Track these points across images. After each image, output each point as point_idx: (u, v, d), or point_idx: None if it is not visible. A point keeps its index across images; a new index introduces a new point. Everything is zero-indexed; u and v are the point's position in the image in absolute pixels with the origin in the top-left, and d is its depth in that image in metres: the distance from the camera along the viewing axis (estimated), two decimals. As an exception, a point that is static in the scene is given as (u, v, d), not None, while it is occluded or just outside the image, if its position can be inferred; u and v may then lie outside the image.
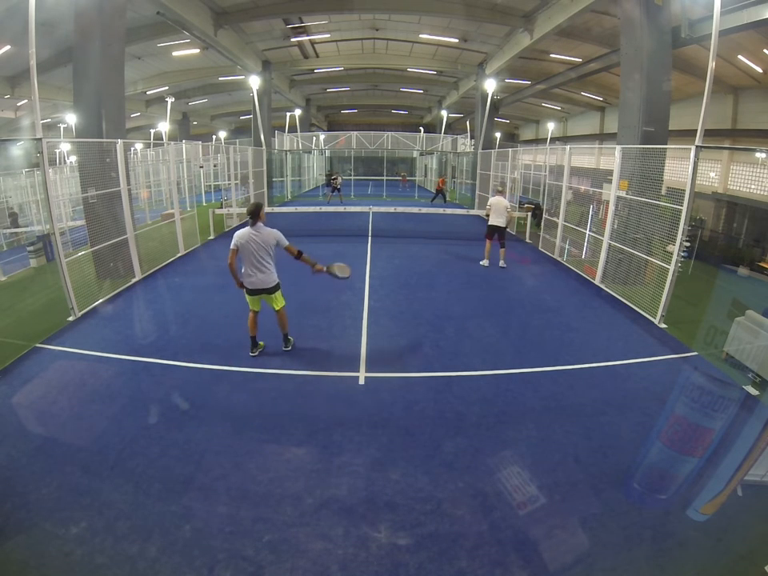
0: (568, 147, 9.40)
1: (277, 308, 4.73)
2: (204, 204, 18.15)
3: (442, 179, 21.09)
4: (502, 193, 8.90)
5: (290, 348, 4.96)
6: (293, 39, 16.45)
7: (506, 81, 18.66)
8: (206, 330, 5.57)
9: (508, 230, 9.17)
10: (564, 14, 11.28)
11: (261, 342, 4.94)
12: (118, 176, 7.09)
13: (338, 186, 19.10)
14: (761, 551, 2.54)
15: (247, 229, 4.43)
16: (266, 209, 14.71)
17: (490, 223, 8.58)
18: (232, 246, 4.42)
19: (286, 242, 4.52)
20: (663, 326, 5.91)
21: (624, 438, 3.57)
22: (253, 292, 4.59)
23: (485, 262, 8.79)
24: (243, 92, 20.27)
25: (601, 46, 13.59)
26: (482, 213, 11.55)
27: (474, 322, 5.98)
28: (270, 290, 4.60)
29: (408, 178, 28.79)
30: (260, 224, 4.45)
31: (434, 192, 20.46)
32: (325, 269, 4.61)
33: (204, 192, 21.07)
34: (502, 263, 8.68)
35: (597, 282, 7.76)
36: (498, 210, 8.49)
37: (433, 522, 2.72)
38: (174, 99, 20.52)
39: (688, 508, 2.62)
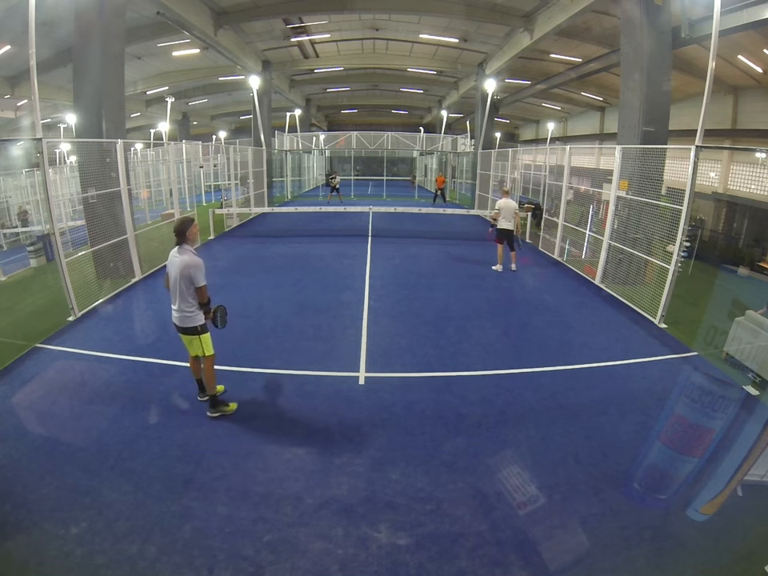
0: (568, 147, 9.40)
1: (193, 354, 3.76)
2: (204, 204, 18.15)
3: (440, 177, 20.81)
4: (508, 194, 8.58)
5: (205, 399, 3.87)
6: (293, 39, 16.44)
7: (506, 81, 18.67)
8: (205, 330, 5.56)
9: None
10: (564, 13, 11.28)
11: (219, 386, 3.95)
12: (118, 176, 7.09)
13: (337, 186, 19.10)
14: (761, 551, 2.54)
15: (174, 250, 3.61)
16: (266, 209, 14.87)
17: (500, 227, 8.24)
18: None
19: (200, 282, 3.51)
20: (663, 325, 5.91)
21: (624, 438, 3.57)
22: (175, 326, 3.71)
23: (498, 267, 8.46)
24: (243, 92, 20.27)
25: (601, 45, 13.59)
26: (488, 215, 11.33)
27: (474, 322, 5.99)
28: (185, 332, 3.64)
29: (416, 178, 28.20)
30: (186, 246, 3.56)
31: (434, 192, 20.31)
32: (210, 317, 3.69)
33: (204, 192, 21.08)
34: (513, 266, 8.45)
35: (597, 282, 7.76)
36: (508, 212, 8.17)
37: (433, 522, 2.72)
38: (173, 99, 20.51)
39: (688, 508, 2.62)
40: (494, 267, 8.55)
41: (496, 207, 8.34)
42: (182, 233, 3.53)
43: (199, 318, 3.62)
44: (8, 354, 4.70)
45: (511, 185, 13.60)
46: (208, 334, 3.69)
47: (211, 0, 12.51)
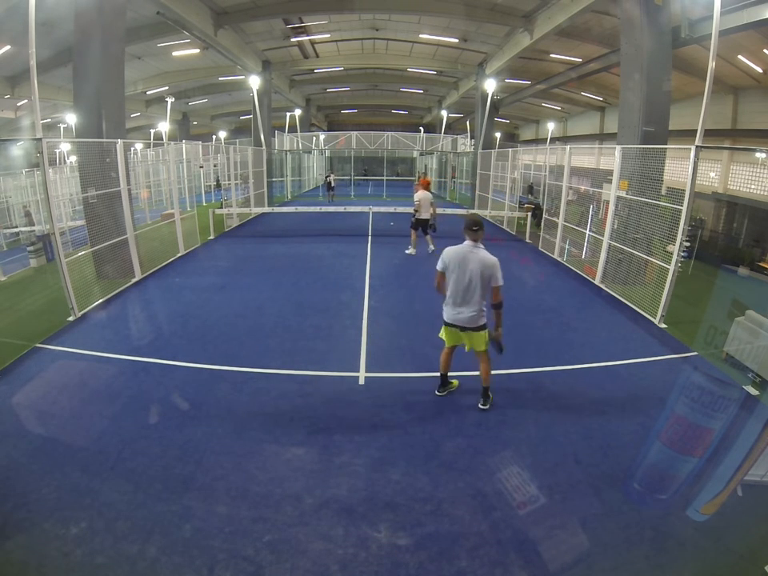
0: (568, 147, 9.40)
1: (478, 349, 3.74)
2: (204, 204, 18.15)
3: (425, 179, 20.49)
4: (423, 187, 9.36)
5: (487, 407, 3.90)
6: (293, 39, 16.44)
7: (506, 81, 18.65)
8: (205, 330, 5.57)
9: (506, 228, 9.14)
10: (564, 13, 11.29)
11: (454, 381, 4.18)
12: (118, 176, 7.09)
13: (332, 185, 19.37)
14: (761, 551, 2.54)
15: (464, 247, 3.55)
16: (266, 209, 14.86)
17: (419, 218, 9.05)
18: (439, 268, 3.66)
19: (500, 281, 3.50)
20: (663, 325, 5.91)
21: (624, 438, 3.57)
22: (450, 325, 3.75)
23: (412, 251, 9.37)
24: (243, 92, 20.26)
25: (601, 45, 13.59)
26: (487, 214, 11.70)
27: (474, 321, 5.97)
28: (476, 330, 3.68)
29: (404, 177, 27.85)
30: (480, 244, 3.55)
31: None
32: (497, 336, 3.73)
33: (204, 192, 21.08)
34: (432, 247, 9.13)
35: (597, 281, 7.76)
36: (426, 204, 9.00)
37: (433, 522, 2.72)
38: (173, 99, 20.50)
39: (688, 508, 2.62)
40: (407, 251, 9.40)
41: (416, 200, 9.06)
42: (481, 228, 3.51)
43: (485, 316, 3.65)
44: (8, 354, 4.69)
45: (511, 185, 13.64)
46: None
47: (211, 0, 12.51)
